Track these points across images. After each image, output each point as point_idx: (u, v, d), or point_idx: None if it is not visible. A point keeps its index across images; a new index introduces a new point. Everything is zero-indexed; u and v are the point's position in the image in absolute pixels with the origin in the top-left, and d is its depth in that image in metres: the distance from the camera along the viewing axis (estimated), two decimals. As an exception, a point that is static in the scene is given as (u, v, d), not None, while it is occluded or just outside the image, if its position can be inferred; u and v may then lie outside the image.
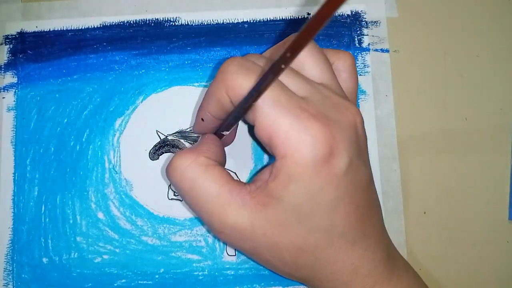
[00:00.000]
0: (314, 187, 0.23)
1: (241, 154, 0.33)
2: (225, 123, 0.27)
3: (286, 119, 0.23)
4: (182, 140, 0.33)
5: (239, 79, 0.24)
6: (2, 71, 0.35)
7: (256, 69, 0.24)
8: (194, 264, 0.32)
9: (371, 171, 0.27)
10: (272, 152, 0.25)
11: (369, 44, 0.35)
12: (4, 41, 0.35)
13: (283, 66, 0.20)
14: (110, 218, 0.33)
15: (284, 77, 0.25)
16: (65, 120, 0.34)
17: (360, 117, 0.26)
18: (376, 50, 0.35)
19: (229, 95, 0.25)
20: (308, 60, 0.26)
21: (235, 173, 0.33)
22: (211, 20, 0.35)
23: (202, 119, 0.27)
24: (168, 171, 0.27)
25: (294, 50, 0.20)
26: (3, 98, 0.34)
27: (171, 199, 0.33)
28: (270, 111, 0.23)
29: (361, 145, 0.26)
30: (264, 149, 0.33)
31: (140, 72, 0.34)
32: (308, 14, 0.35)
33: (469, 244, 0.33)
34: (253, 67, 0.24)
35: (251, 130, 0.32)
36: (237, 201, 0.25)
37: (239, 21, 0.35)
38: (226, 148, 0.34)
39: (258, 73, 0.24)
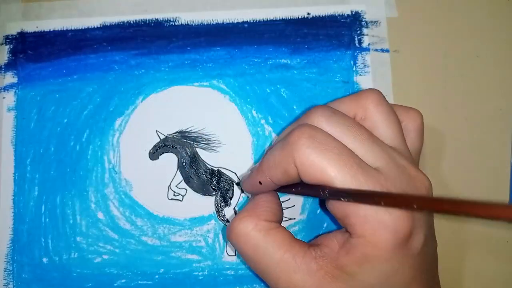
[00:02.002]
0: (390, 268, 0.23)
1: (241, 154, 0.33)
2: (287, 190, 0.27)
3: None
4: (183, 140, 0.33)
5: (311, 155, 0.23)
6: (2, 71, 0.35)
7: (328, 143, 0.23)
8: (194, 264, 0.32)
9: (436, 242, 0.27)
10: (346, 228, 0.24)
11: (369, 44, 0.35)
12: (4, 41, 0.35)
13: (382, 203, 0.21)
14: (110, 218, 0.33)
15: (360, 144, 0.24)
16: (65, 120, 0.34)
17: (431, 188, 0.25)
18: (376, 50, 0.35)
19: (298, 169, 0.24)
20: (382, 122, 0.26)
21: (235, 173, 0.33)
22: (211, 20, 0.35)
23: (260, 182, 0.26)
24: (230, 237, 0.26)
25: (392, 204, 0.21)
26: (3, 98, 0.34)
27: (171, 199, 0.33)
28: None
29: (431, 220, 0.25)
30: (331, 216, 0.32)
31: (140, 72, 0.34)
32: (308, 14, 0.35)
33: (469, 244, 0.33)
34: (325, 141, 0.23)
35: (322, 200, 0.32)
36: (303, 268, 0.24)
37: (239, 21, 0.35)
38: (226, 147, 0.34)
39: (331, 152, 0.23)
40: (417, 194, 0.23)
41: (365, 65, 0.35)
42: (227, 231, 0.27)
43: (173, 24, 0.35)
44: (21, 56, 0.35)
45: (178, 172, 0.33)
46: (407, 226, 0.23)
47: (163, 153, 0.33)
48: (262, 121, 0.34)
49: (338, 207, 0.24)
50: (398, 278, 0.23)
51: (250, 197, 0.30)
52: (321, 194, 0.23)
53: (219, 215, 0.33)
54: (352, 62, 0.35)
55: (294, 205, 0.33)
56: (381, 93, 0.27)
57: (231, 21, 0.35)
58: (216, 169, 0.33)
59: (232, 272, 0.32)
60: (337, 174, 0.23)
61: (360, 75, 0.34)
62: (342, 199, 0.23)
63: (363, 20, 0.35)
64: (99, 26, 0.35)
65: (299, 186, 0.26)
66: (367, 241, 0.23)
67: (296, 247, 0.25)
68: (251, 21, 0.35)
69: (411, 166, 0.25)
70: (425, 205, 0.20)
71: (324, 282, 0.24)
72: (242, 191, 0.33)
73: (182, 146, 0.33)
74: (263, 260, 0.25)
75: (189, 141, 0.33)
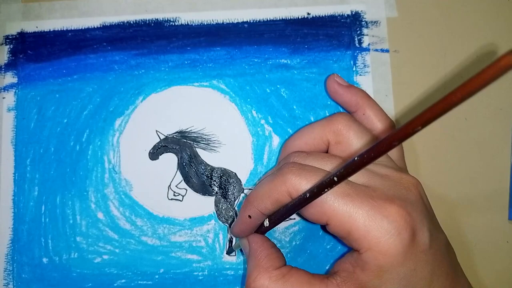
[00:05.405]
0: (407, 270, 0.24)
1: (241, 154, 0.33)
2: (277, 219, 0.27)
3: (361, 211, 0.23)
4: (183, 140, 0.33)
5: (303, 183, 0.24)
6: (3, 71, 0.35)
7: (317, 173, 0.25)
8: (194, 264, 0.32)
9: (444, 233, 0.27)
10: (352, 245, 0.25)
11: (369, 44, 0.35)
12: (4, 41, 0.35)
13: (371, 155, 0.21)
14: (110, 218, 0.33)
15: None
16: (65, 120, 0.34)
17: (420, 184, 0.26)
18: (376, 50, 0.35)
19: (291, 197, 0.25)
20: (357, 141, 0.28)
21: (235, 173, 0.33)
22: (211, 20, 0.35)
23: (250, 216, 0.27)
24: None
25: (348, 173, 0.21)
26: (3, 98, 0.34)
27: (171, 199, 0.33)
28: (343, 207, 0.24)
29: (430, 213, 0.26)
30: (339, 240, 0.32)
31: (140, 72, 0.34)
32: (308, 14, 0.35)
33: (469, 244, 0.33)
34: (314, 171, 0.25)
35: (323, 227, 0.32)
36: None
37: (239, 21, 0.35)
38: (226, 148, 0.34)
39: (319, 176, 0.24)
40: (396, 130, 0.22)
41: (365, 65, 0.35)
42: None
43: (173, 24, 0.35)
44: (21, 56, 0.35)
45: (178, 172, 0.33)
46: (408, 226, 0.23)
47: (163, 153, 0.33)
48: (262, 121, 0.34)
49: (340, 226, 0.24)
50: (418, 277, 0.24)
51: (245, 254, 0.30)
52: (306, 197, 0.24)
53: (219, 215, 0.33)
54: (352, 62, 0.35)
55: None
56: (349, 114, 0.29)
57: (231, 21, 0.35)
58: (216, 168, 0.33)
59: (232, 272, 0.32)
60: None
61: (360, 75, 0.34)
62: (335, 179, 0.22)
63: (363, 20, 0.35)
64: (99, 26, 0.35)
65: (286, 206, 0.26)
66: (376, 252, 0.23)
67: (316, 284, 0.25)
68: (251, 21, 0.35)
69: (393, 171, 0.26)
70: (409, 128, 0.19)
71: None
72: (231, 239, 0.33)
73: (182, 146, 0.33)
74: None
75: (189, 141, 0.33)
